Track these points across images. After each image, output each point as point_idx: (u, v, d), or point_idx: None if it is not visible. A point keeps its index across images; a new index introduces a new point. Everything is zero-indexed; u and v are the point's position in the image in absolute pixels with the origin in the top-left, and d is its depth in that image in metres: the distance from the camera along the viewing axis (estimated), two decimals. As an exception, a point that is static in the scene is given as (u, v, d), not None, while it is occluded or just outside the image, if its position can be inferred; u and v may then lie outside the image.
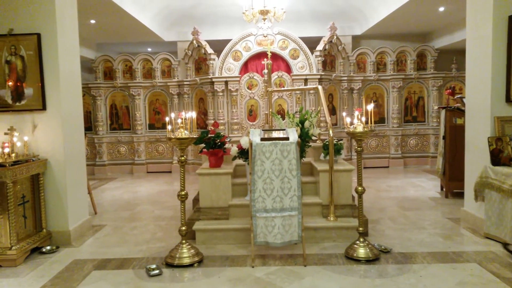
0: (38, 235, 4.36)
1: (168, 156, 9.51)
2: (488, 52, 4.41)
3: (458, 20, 7.99)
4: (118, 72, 9.40)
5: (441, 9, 7.38)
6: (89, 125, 9.46)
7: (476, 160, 4.64)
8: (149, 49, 10.72)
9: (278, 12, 7.16)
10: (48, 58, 4.46)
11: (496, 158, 4.27)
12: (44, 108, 4.48)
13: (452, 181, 6.13)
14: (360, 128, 3.83)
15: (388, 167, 9.31)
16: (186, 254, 3.79)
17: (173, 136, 3.74)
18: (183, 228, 3.87)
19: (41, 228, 4.44)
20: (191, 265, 3.75)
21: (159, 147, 9.51)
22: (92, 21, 7.65)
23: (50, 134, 4.51)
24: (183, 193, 3.86)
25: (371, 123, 3.86)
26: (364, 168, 9.13)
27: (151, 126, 9.54)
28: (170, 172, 9.37)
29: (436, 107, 9.02)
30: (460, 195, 5.41)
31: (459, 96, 6.55)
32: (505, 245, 3.98)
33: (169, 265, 3.76)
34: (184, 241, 3.87)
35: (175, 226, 4.98)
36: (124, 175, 9.29)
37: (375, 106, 9.27)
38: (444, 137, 6.33)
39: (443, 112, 6.43)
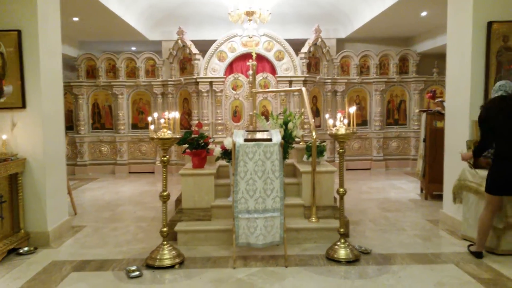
0: (16, 236, 4.26)
1: (151, 156, 9.42)
2: (468, 57, 4.51)
3: (440, 25, 8.14)
4: (101, 70, 9.27)
5: (424, 13, 7.51)
6: (71, 124, 9.30)
7: (455, 163, 4.73)
8: (133, 48, 10.61)
9: (264, 14, 7.17)
10: (28, 56, 4.37)
11: (475, 161, 4.36)
12: (23, 106, 4.39)
13: (432, 183, 6.24)
14: (342, 130, 3.86)
15: (370, 169, 9.41)
16: (167, 255, 3.76)
17: (155, 136, 3.71)
18: (164, 229, 3.84)
19: (18, 229, 4.34)
20: (172, 267, 3.72)
21: (142, 147, 9.42)
22: (75, 19, 7.53)
23: (29, 133, 4.43)
24: (165, 194, 3.83)
25: (353, 125, 3.90)
26: (347, 169, 9.21)
27: (134, 126, 9.43)
28: (153, 172, 9.29)
29: (417, 111, 9.17)
30: (440, 197, 5.51)
31: (439, 99, 6.67)
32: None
33: (150, 267, 3.73)
34: (165, 242, 3.85)
35: (157, 227, 4.94)
36: (105, 175, 9.16)
37: (358, 109, 9.37)
38: (424, 140, 6.44)
39: (423, 115, 6.54)
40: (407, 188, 7.30)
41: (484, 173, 4.16)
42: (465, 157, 4.14)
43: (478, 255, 3.91)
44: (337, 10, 8.68)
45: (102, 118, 9.43)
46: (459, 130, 4.69)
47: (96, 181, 8.43)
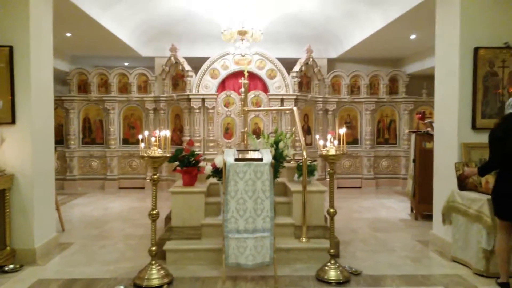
0: (1, 253, 4.18)
1: (142, 172, 9.35)
2: (455, 81, 4.60)
3: (428, 48, 8.31)
4: (93, 85, 9.26)
5: (413, 36, 7.67)
6: (61, 138, 9.23)
7: (444, 184, 4.78)
8: (126, 64, 10.63)
9: (256, 33, 7.26)
10: (20, 71, 4.36)
11: (463, 183, 4.41)
12: (13, 121, 4.36)
13: (422, 204, 6.27)
14: (332, 151, 3.89)
15: (360, 187, 9.44)
16: (155, 275, 3.71)
17: (146, 155, 3.69)
18: (153, 248, 3.80)
19: (4, 246, 4.25)
20: (160, 287, 3.66)
21: (133, 162, 9.36)
22: (68, 34, 7.54)
23: (18, 149, 4.38)
24: (154, 212, 3.80)
25: (343, 146, 3.93)
26: (338, 188, 9.23)
27: (125, 141, 9.39)
28: (143, 188, 9.21)
29: (407, 131, 9.27)
30: (430, 218, 5.53)
31: (428, 120, 6.77)
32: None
33: (138, 287, 3.67)
34: (153, 262, 3.80)
35: (146, 245, 4.86)
36: (95, 190, 9.06)
37: (348, 128, 9.45)
38: (414, 160, 6.49)
39: (413, 136, 6.62)
40: (398, 207, 7.32)
41: (472, 195, 4.21)
42: (469, 173, 4.15)
43: (504, 286, 3.67)
44: (328, 31, 8.83)
45: (93, 133, 9.38)
46: (448, 152, 4.75)
47: (85, 196, 8.33)
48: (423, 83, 9.47)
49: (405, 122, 9.50)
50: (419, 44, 8.22)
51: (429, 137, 6.25)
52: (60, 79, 9.79)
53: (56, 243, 4.92)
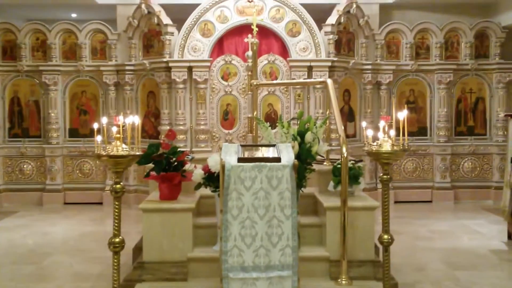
0: None
1: (98, 179, 9.43)
2: None
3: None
4: (24, 48, 9.34)
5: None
6: (-23, 129, 9.35)
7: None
8: (74, 15, 10.67)
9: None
10: None
11: None
12: None
13: (525, 226, 6.23)
14: (387, 146, 3.87)
15: (431, 201, 9.42)
16: (119, 335, 3.74)
17: (104, 153, 3.71)
18: (116, 294, 3.83)
19: None
20: None
21: (85, 165, 9.43)
22: (-13, -29, 7.61)
23: None
24: (117, 240, 3.81)
25: (404, 138, 3.90)
26: (396, 202, 9.20)
27: (74, 133, 9.47)
28: (101, 203, 9.29)
29: (502, 114, 9.17)
30: (537, 248, 5.51)
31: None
32: None
33: None
34: (116, 315, 3.83)
35: (105, 289, 4.93)
36: (29, 207, 9.15)
37: (413, 110, 9.40)
38: (513, 160, 6.45)
39: (511, 121, 6.56)
40: (488, 232, 7.29)
41: None
42: None
43: None
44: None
45: (25, 121, 9.47)
46: None
47: (13, 216, 8.43)
48: (528, 40, 9.37)
49: (500, 101, 9.42)
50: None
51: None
52: (-25, 39, 9.89)
53: (-29, 287, 4.99)
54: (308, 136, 4.73)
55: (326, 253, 4.63)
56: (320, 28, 8.49)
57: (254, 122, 5.87)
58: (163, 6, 8.66)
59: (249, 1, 8.32)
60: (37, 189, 9.41)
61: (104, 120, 3.90)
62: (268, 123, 5.53)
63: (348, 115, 9.10)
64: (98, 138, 3.78)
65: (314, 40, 8.39)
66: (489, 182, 9.51)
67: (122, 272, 4.03)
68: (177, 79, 8.35)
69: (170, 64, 8.34)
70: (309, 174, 4.77)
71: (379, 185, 9.04)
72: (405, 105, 9.28)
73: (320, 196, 5.00)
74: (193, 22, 8.37)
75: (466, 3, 9.79)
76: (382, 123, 3.98)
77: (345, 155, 4.50)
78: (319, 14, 8.60)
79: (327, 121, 5.44)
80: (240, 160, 3.91)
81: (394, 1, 9.56)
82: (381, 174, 4.01)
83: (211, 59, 8.38)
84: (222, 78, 8.44)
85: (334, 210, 4.59)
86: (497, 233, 7.18)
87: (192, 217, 4.67)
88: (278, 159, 3.92)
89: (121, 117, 3.90)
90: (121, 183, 3.82)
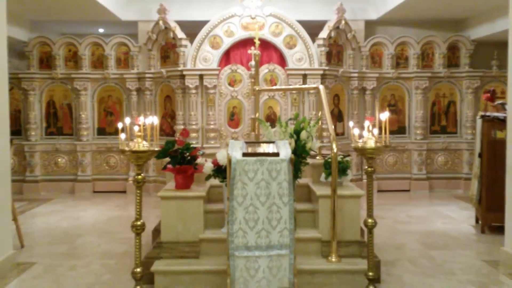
0: None
1: (123, 171, 9.45)
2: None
3: (500, 4, 8.16)
4: (58, 59, 9.35)
5: (479, -10, 7.55)
6: (18, 128, 9.36)
7: (520, 186, 4.73)
8: (101, 31, 10.68)
9: (271, -12, 7.23)
10: (-36, 41, 4.42)
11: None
12: (-44, 106, 4.43)
13: (490, 212, 6.22)
14: (371, 143, 3.87)
15: (409, 190, 9.41)
16: (140, 304, 3.75)
17: (127, 149, 3.72)
18: (138, 270, 3.84)
19: None
20: (147, 320, 3.71)
21: (111, 159, 9.45)
22: (26, -8, 7.61)
23: (-37, 141, 4.45)
24: (138, 223, 3.83)
25: (386, 136, 3.90)
26: (379, 191, 9.21)
27: (101, 131, 9.48)
28: (125, 192, 9.30)
29: (480, 115, 9.17)
30: (501, 230, 5.48)
31: (500, 102, 6.68)
32: None
33: (118, 319, 3.72)
34: (138, 287, 3.83)
35: (128, 265, 4.93)
36: (62, 195, 9.18)
37: (393, 112, 9.40)
38: (480, 155, 6.43)
39: (479, 122, 6.55)
40: (458, 217, 7.28)
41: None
42: None
43: None
44: (367, -16, 8.74)
45: (59, 121, 9.49)
46: (526, 143, 4.69)
47: (50, 203, 8.45)
48: (493, 52, 9.33)
49: (468, 104, 9.41)
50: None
51: (501, 123, 6.17)
52: (17, 51, 9.88)
53: (14, 263, 5.00)
54: (303, 134, 4.73)
55: (318, 234, 4.63)
56: (313, 41, 8.49)
57: (257, 122, 5.87)
58: (178, 22, 8.66)
59: (252, 18, 8.31)
60: (69, 179, 9.43)
61: (127, 120, 3.89)
62: (268, 123, 5.54)
63: (338, 116, 9.10)
64: (122, 136, 3.79)
65: (308, 51, 8.39)
66: (460, 174, 9.50)
67: (143, 251, 4.04)
68: (190, 85, 8.35)
69: (184, 73, 8.35)
70: (303, 167, 4.78)
71: (364, 177, 9.04)
72: (387, 108, 9.31)
73: (313, 186, 5.01)
74: (203, 36, 8.37)
75: (440, 19, 9.76)
76: (367, 123, 3.99)
77: (335, 150, 4.51)
78: (313, 29, 8.59)
79: (319, 122, 5.43)
80: (244, 155, 3.91)
81: (377, 18, 9.54)
82: (366, 167, 4.02)
83: (219, 68, 8.38)
84: (229, 84, 8.44)
85: (325, 198, 4.60)
86: (466, 218, 7.19)
87: (203, 204, 4.68)
88: (277, 154, 3.93)
89: (141, 118, 3.92)
90: (142, 175, 3.84)
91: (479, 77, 9.40)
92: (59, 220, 7.19)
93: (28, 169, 9.36)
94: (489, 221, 6.30)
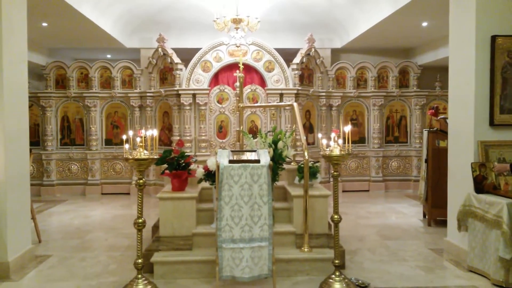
0: (-30, 267, 4.16)
1: (127, 175, 9.35)
2: (471, 72, 4.61)
3: (442, 36, 8.32)
4: (72, 80, 9.25)
5: (425, 24, 7.68)
6: (37, 140, 9.21)
7: (459, 186, 4.80)
8: (109, 56, 10.61)
9: (252, 22, 7.26)
10: (-10, 65, 4.34)
11: (480, 185, 4.43)
12: (-17, 121, 4.34)
13: (435, 208, 6.29)
14: (337, 151, 3.90)
15: (368, 190, 9.47)
16: (142, 290, 3.70)
17: (130, 157, 3.69)
18: (139, 261, 3.80)
19: (-27, 260, 4.24)
20: (147, 303, 3.66)
21: (116, 165, 9.34)
22: (44, 24, 7.52)
23: (-11, 151, 4.36)
24: (140, 220, 3.80)
25: (348, 145, 3.93)
26: (343, 191, 9.26)
27: (108, 142, 9.38)
28: (129, 194, 9.20)
29: (426, 130, 9.32)
30: (444, 224, 5.56)
31: (442, 117, 6.78)
32: None
33: (122, 303, 3.67)
34: (140, 276, 3.80)
35: (131, 257, 4.87)
36: (75, 196, 9.04)
37: (354, 125, 9.49)
38: (426, 161, 6.51)
39: (425, 133, 6.64)
40: (409, 212, 7.34)
41: (490, 198, 4.22)
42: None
43: None
44: (332, 19, 8.83)
45: (72, 133, 9.36)
46: (463, 151, 4.76)
47: (64, 204, 8.31)
48: (437, 75, 9.50)
49: (416, 118, 9.53)
50: (431, 32, 8.24)
51: (443, 134, 6.26)
52: (36, 73, 9.77)
53: (32, 256, 4.91)
54: (280, 144, 4.75)
55: (293, 228, 4.63)
56: (288, 66, 8.54)
57: (241, 134, 5.87)
58: (175, 49, 8.64)
59: (237, 46, 8.33)
60: (81, 183, 9.29)
61: (131, 132, 3.87)
62: (251, 134, 5.54)
63: (309, 129, 9.14)
64: (126, 146, 3.76)
65: (284, 74, 8.43)
66: (410, 176, 9.60)
67: (144, 244, 4.00)
68: (185, 103, 8.32)
69: (180, 92, 8.31)
70: (280, 171, 4.80)
71: (331, 179, 9.09)
72: (350, 121, 9.39)
73: (289, 187, 5.01)
74: (196, 61, 8.36)
75: (393, 48, 9.90)
76: (333, 135, 4.01)
77: (307, 157, 4.53)
78: (288, 56, 8.65)
79: (294, 133, 5.46)
80: (230, 161, 3.92)
81: (341, 47, 9.63)
82: (333, 171, 4.04)
83: (209, 88, 8.37)
84: (218, 102, 8.43)
85: (299, 198, 4.62)
86: (415, 213, 7.26)
87: (196, 203, 4.65)
88: (258, 161, 3.94)
89: (143, 131, 3.89)
90: (143, 179, 3.81)
91: (425, 96, 9.54)
92: (72, 218, 7.08)
93: (45, 175, 9.20)
94: (434, 216, 6.38)
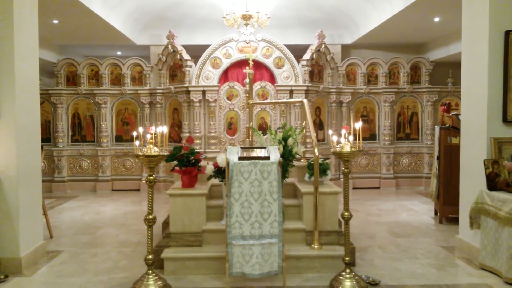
0: (-16, 262, 4.23)
1: (137, 172, 9.41)
2: (484, 68, 4.56)
3: (454, 31, 8.24)
4: (82, 77, 9.32)
5: (437, 19, 7.61)
6: (48, 136, 9.31)
7: (472, 183, 4.75)
8: (119, 53, 10.67)
9: (262, 18, 7.25)
10: (2, 62, 4.39)
11: (493, 183, 4.38)
12: (-5, 118, 4.40)
13: (447, 206, 6.25)
14: (347, 148, 3.88)
15: (379, 188, 9.43)
16: (152, 286, 3.73)
17: (141, 153, 3.71)
18: (150, 257, 3.82)
19: (-13, 255, 4.31)
20: (157, 299, 3.69)
21: (127, 162, 9.41)
22: (55, 21, 7.58)
23: (1, 147, 4.42)
24: (150, 217, 3.82)
25: (359, 142, 3.92)
26: (354, 188, 9.23)
27: (119, 139, 9.44)
28: (139, 190, 9.27)
29: (430, 123, 9.26)
30: (456, 221, 5.51)
31: (454, 113, 6.72)
32: None
33: (133, 299, 3.70)
34: (150, 272, 3.82)
35: (142, 253, 4.91)
36: (85, 193, 9.13)
37: (365, 121, 9.44)
38: (438, 158, 6.46)
39: (437, 130, 6.58)
40: (420, 210, 7.30)
41: (503, 195, 4.18)
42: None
43: None
44: (342, 15, 8.78)
45: (83, 130, 9.44)
46: (476, 148, 4.72)
47: (75, 200, 8.39)
48: (449, 71, 9.40)
49: (428, 115, 9.45)
50: (444, 27, 8.15)
51: (455, 131, 6.21)
52: (47, 70, 9.86)
53: (44, 251, 4.96)
54: (290, 141, 4.74)
55: (303, 225, 4.63)
56: (298, 62, 8.51)
57: (251, 131, 5.87)
58: (184, 46, 8.66)
59: (247, 43, 8.33)
60: (92, 179, 9.38)
61: (141, 129, 3.89)
62: (260, 131, 5.54)
63: (319, 125, 9.12)
64: (137, 142, 3.79)
65: (294, 71, 8.41)
66: (421, 173, 9.53)
67: (154, 240, 4.03)
68: (194, 100, 8.34)
69: (189, 89, 8.34)
70: (290, 168, 4.79)
71: (341, 176, 9.06)
72: (360, 118, 9.35)
73: (299, 184, 5.01)
74: (206, 58, 8.37)
75: (404, 43, 9.83)
76: (343, 131, 4.00)
77: (317, 154, 4.52)
78: (298, 52, 8.62)
79: (304, 130, 5.44)
80: (240, 158, 3.92)
81: (352, 43, 9.59)
82: (343, 168, 4.02)
83: (219, 84, 8.38)
84: (227, 98, 8.44)
85: (309, 195, 4.60)
86: (427, 210, 7.21)
87: (205, 200, 4.66)
88: (268, 158, 3.93)
89: (153, 127, 3.91)
90: (153, 175, 3.83)
91: (437, 92, 9.45)
92: (83, 214, 7.15)
93: (56, 171, 9.30)
94: (446, 213, 6.33)
